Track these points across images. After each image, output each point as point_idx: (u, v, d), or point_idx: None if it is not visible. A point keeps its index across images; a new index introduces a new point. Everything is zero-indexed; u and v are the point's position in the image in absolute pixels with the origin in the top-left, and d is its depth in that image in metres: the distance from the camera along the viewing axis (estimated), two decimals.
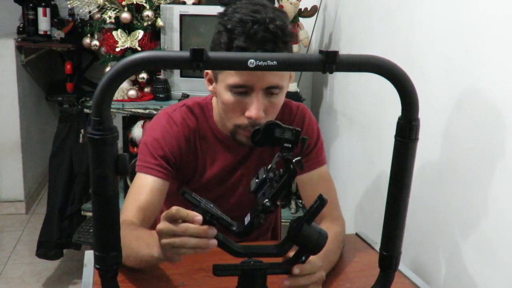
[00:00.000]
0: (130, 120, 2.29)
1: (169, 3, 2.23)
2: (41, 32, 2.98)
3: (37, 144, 3.34)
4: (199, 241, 0.76)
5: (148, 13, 2.18)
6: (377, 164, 1.76)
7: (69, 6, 2.68)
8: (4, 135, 3.02)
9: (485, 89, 1.10)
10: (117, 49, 2.18)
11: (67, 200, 2.39)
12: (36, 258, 2.42)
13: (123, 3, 2.17)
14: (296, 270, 0.84)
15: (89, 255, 1.10)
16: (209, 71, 1.10)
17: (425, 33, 1.40)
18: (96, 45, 2.34)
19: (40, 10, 2.96)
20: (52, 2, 3.09)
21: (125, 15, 2.17)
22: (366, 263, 1.15)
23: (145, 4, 2.19)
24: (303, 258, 0.83)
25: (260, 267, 0.83)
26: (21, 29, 3.17)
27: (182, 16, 2.20)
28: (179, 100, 2.13)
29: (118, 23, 2.22)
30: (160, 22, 2.19)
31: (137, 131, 2.20)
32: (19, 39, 2.97)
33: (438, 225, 1.30)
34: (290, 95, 2.24)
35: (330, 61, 0.63)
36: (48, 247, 2.37)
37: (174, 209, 0.77)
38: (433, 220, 1.32)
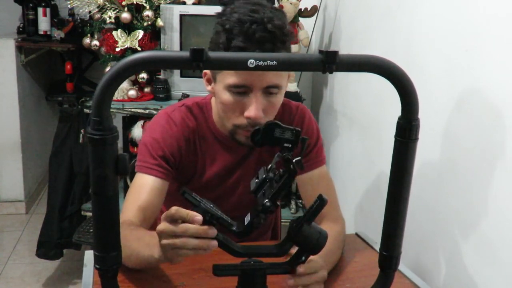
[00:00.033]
0: (130, 120, 2.29)
1: (169, 3, 2.23)
2: (41, 32, 2.98)
3: (37, 144, 3.34)
4: (199, 242, 0.76)
5: (148, 13, 2.18)
6: (377, 164, 1.76)
7: (69, 6, 2.68)
8: (4, 135, 3.02)
9: (485, 89, 1.10)
10: (117, 49, 2.18)
11: (67, 200, 2.39)
12: (36, 258, 2.42)
13: (123, 3, 2.17)
14: (300, 269, 0.85)
15: (89, 255, 1.10)
16: (207, 71, 1.10)
17: (425, 33, 1.40)
18: (96, 45, 2.34)
19: (40, 10, 2.96)
20: (52, 2, 3.09)
21: (125, 15, 2.17)
22: (366, 263, 1.15)
23: (145, 4, 2.19)
24: (303, 258, 0.83)
25: (260, 267, 0.83)
26: (21, 29, 3.17)
27: (182, 16, 2.20)
28: (179, 100, 2.13)
29: (118, 23, 2.22)
30: (160, 22, 2.19)
31: (137, 131, 2.20)
32: (19, 39, 2.97)
33: (438, 225, 1.30)
34: (290, 95, 2.25)
35: (330, 61, 0.63)
36: (48, 247, 2.37)
37: (174, 209, 0.77)
38: (433, 220, 1.32)
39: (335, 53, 0.63)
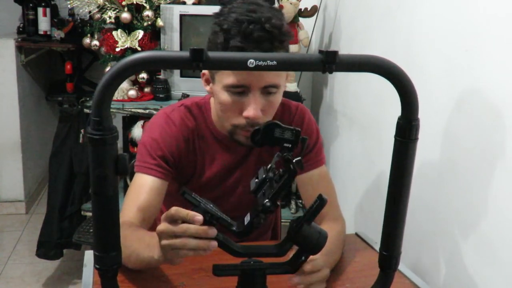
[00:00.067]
0: (130, 120, 2.29)
1: (169, 3, 2.23)
2: (41, 32, 2.98)
3: (37, 144, 3.34)
4: (199, 242, 0.76)
5: (148, 13, 2.18)
6: (377, 164, 1.76)
7: (69, 6, 2.68)
8: (4, 135, 3.02)
9: (485, 89, 1.10)
10: (117, 49, 2.18)
11: (67, 200, 2.39)
12: (36, 258, 2.42)
13: (123, 3, 2.17)
14: (308, 266, 0.85)
15: (89, 255, 1.10)
16: (206, 72, 1.10)
17: (425, 33, 1.40)
18: (96, 45, 2.34)
19: (40, 10, 2.96)
20: (52, 2, 3.09)
21: (125, 15, 2.17)
22: (366, 263, 1.15)
23: (145, 4, 2.19)
24: (303, 258, 0.83)
25: (260, 267, 0.83)
26: (21, 29, 3.17)
27: (182, 16, 2.20)
28: (179, 100, 2.13)
29: (118, 23, 2.22)
30: (160, 22, 2.19)
31: (137, 131, 2.20)
32: (19, 39, 2.97)
33: (438, 225, 1.30)
34: (290, 95, 2.25)
35: (330, 61, 0.63)
36: (48, 247, 2.37)
37: (174, 209, 0.77)
38: (433, 220, 1.32)
39: (335, 53, 0.63)
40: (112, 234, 0.69)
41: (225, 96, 1.03)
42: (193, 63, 0.61)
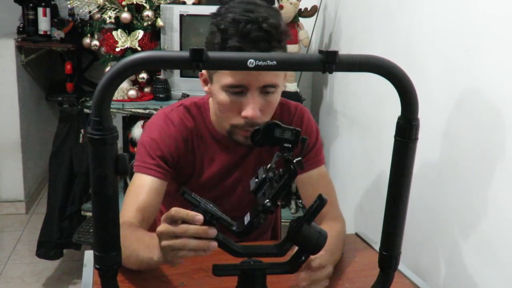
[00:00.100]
0: (130, 120, 2.29)
1: (169, 3, 2.23)
2: (41, 32, 2.98)
3: (37, 144, 3.34)
4: (200, 242, 0.76)
5: (148, 13, 2.18)
6: (377, 164, 1.76)
7: (69, 6, 2.68)
8: (4, 135, 3.02)
9: (485, 89, 1.10)
10: (117, 49, 2.19)
11: (67, 200, 2.39)
12: (36, 258, 2.42)
13: (123, 3, 2.17)
14: (317, 260, 0.86)
15: (89, 255, 1.10)
16: (203, 72, 1.10)
17: (425, 33, 1.40)
18: (96, 45, 2.34)
19: (40, 10, 2.96)
20: (52, 2, 3.09)
21: (125, 15, 2.17)
22: (366, 263, 1.15)
23: (145, 4, 2.19)
24: (303, 258, 0.83)
25: (260, 267, 0.83)
26: (21, 29, 3.17)
27: (182, 16, 2.20)
28: (179, 100, 2.13)
29: (118, 23, 2.22)
30: (160, 22, 2.19)
31: (137, 131, 2.20)
32: (19, 39, 2.97)
33: (438, 225, 1.30)
34: (290, 95, 2.25)
35: (330, 61, 0.63)
36: (48, 247, 2.37)
37: (174, 210, 0.77)
38: (433, 220, 1.32)
39: (334, 53, 0.63)
40: (112, 234, 0.69)
41: (223, 96, 1.03)
42: (193, 63, 0.61)
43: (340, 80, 2.22)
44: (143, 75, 2.27)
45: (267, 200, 0.77)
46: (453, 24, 1.24)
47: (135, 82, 2.32)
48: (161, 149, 1.12)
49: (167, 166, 1.12)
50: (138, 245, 0.93)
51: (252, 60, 0.62)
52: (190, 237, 0.76)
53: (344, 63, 0.64)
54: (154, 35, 2.25)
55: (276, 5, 2.26)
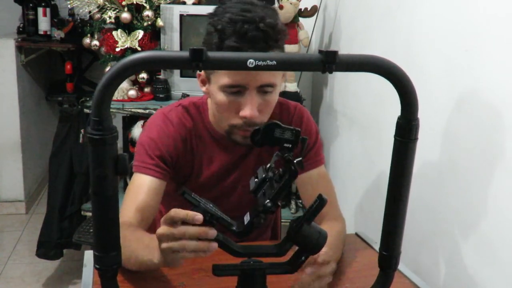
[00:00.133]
0: (130, 120, 2.29)
1: (169, 3, 2.23)
2: (41, 32, 2.98)
3: (37, 144, 3.34)
4: (199, 244, 0.76)
5: (148, 13, 2.18)
6: (377, 164, 1.76)
7: (69, 6, 2.68)
8: (4, 135, 3.02)
9: (485, 89, 1.10)
10: (117, 49, 2.19)
11: (67, 200, 2.39)
12: (36, 258, 2.42)
13: (123, 3, 2.17)
14: (320, 258, 0.88)
15: (88, 255, 1.10)
16: (201, 72, 1.10)
17: (425, 33, 1.40)
18: (96, 45, 2.34)
19: (40, 10, 2.96)
20: (52, 2, 3.09)
21: (125, 15, 2.17)
22: (366, 263, 1.15)
23: (145, 4, 2.19)
24: (303, 258, 0.83)
25: (260, 267, 0.83)
26: (21, 29, 3.17)
27: (182, 16, 2.20)
28: (179, 100, 2.13)
29: (118, 23, 2.22)
30: (160, 22, 2.19)
31: (137, 131, 2.21)
32: (19, 39, 2.97)
33: (438, 225, 1.30)
34: (290, 95, 2.26)
35: (330, 61, 0.63)
36: (48, 247, 2.37)
37: (173, 211, 0.77)
38: (433, 220, 1.32)
39: (334, 53, 0.63)
40: (111, 234, 0.69)
41: (221, 97, 1.03)
42: (193, 63, 0.61)
43: (340, 80, 2.22)
44: (143, 75, 2.27)
45: (268, 201, 0.77)
46: (453, 24, 1.24)
47: (135, 82, 2.32)
48: (159, 149, 1.12)
49: (166, 166, 1.12)
50: (138, 246, 0.93)
51: (252, 60, 0.62)
52: (190, 238, 0.76)
53: (344, 63, 0.64)
54: (154, 35, 2.25)
55: (276, 5, 2.26)
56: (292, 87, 2.35)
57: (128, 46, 2.18)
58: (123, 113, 2.22)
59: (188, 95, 2.18)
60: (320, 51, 0.63)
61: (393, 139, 0.73)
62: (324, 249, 0.82)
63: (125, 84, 2.26)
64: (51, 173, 2.42)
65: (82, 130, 2.36)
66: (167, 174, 1.13)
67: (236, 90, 1.01)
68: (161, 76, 2.29)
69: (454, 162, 1.23)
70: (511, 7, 1.02)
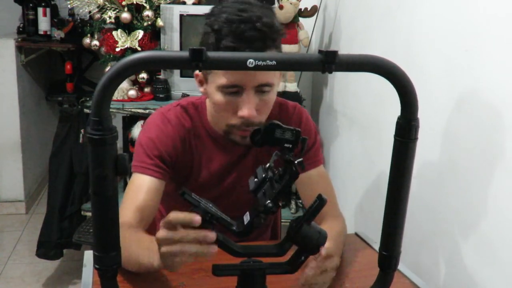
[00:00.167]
0: (130, 120, 2.29)
1: (169, 3, 2.23)
2: (41, 32, 2.98)
3: (37, 144, 3.34)
4: (199, 247, 0.75)
5: (148, 13, 2.18)
6: (377, 164, 1.76)
7: (69, 6, 2.68)
8: (4, 135, 3.02)
9: (485, 89, 1.10)
10: (117, 49, 2.19)
11: (67, 200, 2.39)
12: (36, 258, 2.42)
13: (123, 3, 2.17)
14: (324, 251, 0.86)
15: (88, 255, 1.10)
16: (199, 73, 1.10)
17: (425, 33, 1.40)
18: (96, 45, 2.34)
19: (40, 10, 2.96)
20: (52, 2, 3.09)
21: (125, 15, 2.17)
22: (365, 263, 1.15)
23: (145, 4, 2.19)
24: (303, 258, 0.83)
25: (260, 267, 0.83)
26: (21, 29, 3.17)
27: (182, 16, 2.20)
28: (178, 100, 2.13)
29: (118, 23, 2.22)
30: (160, 22, 2.20)
31: (137, 131, 2.21)
32: (19, 39, 2.97)
33: (438, 225, 1.30)
34: (290, 95, 2.26)
35: (330, 61, 0.63)
36: (48, 247, 2.37)
37: (172, 215, 0.76)
38: (433, 220, 1.32)
39: (334, 53, 0.63)
40: (111, 234, 0.68)
41: (219, 97, 1.03)
42: (193, 63, 0.61)
43: (340, 80, 2.22)
44: (143, 75, 2.27)
45: (269, 201, 0.76)
46: (453, 24, 1.24)
47: (135, 82, 2.32)
48: (158, 149, 1.12)
49: (165, 165, 1.12)
50: (138, 248, 0.93)
51: (252, 60, 0.62)
52: (189, 242, 0.75)
53: (343, 63, 0.64)
54: (154, 35, 2.25)
55: (276, 5, 2.26)
56: (292, 87, 2.35)
57: (128, 46, 2.18)
58: (123, 113, 2.22)
59: (188, 95, 2.17)
60: (320, 51, 0.63)
61: (393, 139, 0.73)
62: (327, 244, 0.82)
63: (125, 84, 2.26)
64: (51, 173, 2.42)
65: (82, 130, 2.37)
66: (167, 174, 1.13)
67: (233, 90, 1.01)
68: (161, 76, 2.29)
69: (454, 162, 1.23)
70: (511, 7, 1.02)
